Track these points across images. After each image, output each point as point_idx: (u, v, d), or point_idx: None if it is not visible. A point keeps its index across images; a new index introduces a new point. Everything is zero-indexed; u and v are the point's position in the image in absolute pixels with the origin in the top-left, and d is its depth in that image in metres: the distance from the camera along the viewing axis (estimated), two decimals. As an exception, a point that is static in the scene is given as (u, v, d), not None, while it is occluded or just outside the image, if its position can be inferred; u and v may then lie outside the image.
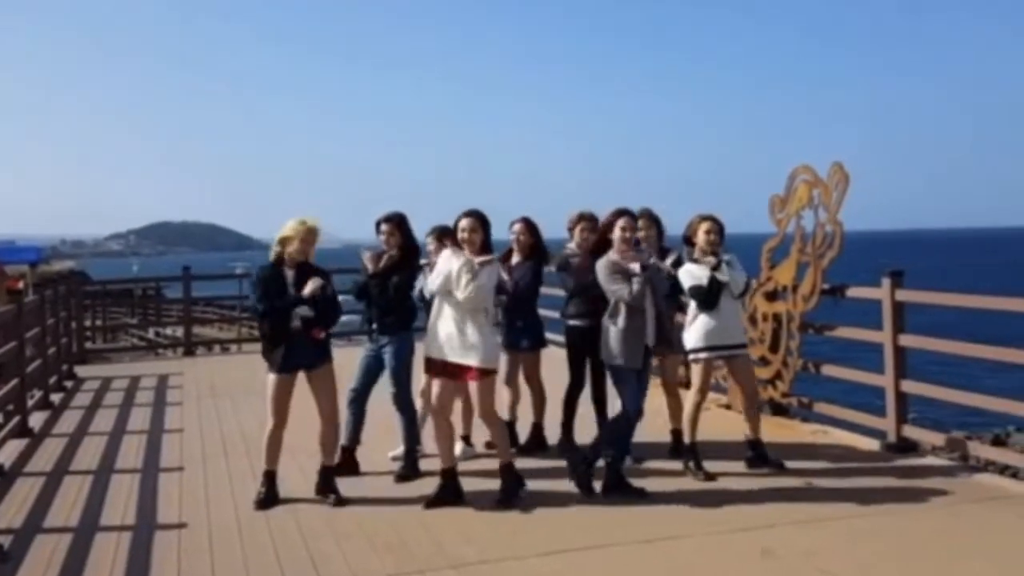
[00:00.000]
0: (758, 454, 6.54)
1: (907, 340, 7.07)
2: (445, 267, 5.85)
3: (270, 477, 6.07)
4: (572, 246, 7.04)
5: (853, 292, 7.40)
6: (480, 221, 5.97)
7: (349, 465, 6.57)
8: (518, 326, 7.08)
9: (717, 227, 6.46)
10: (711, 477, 6.27)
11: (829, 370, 7.77)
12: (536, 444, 7.18)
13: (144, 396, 10.41)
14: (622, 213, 6.10)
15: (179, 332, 15.39)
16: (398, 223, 6.61)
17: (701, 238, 6.49)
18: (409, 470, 6.52)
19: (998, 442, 14.99)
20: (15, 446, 7.91)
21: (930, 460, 7.00)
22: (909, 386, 7.08)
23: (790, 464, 6.54)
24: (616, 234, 6.04)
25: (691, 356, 6.55)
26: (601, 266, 6.03)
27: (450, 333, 5.81)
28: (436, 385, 5.96)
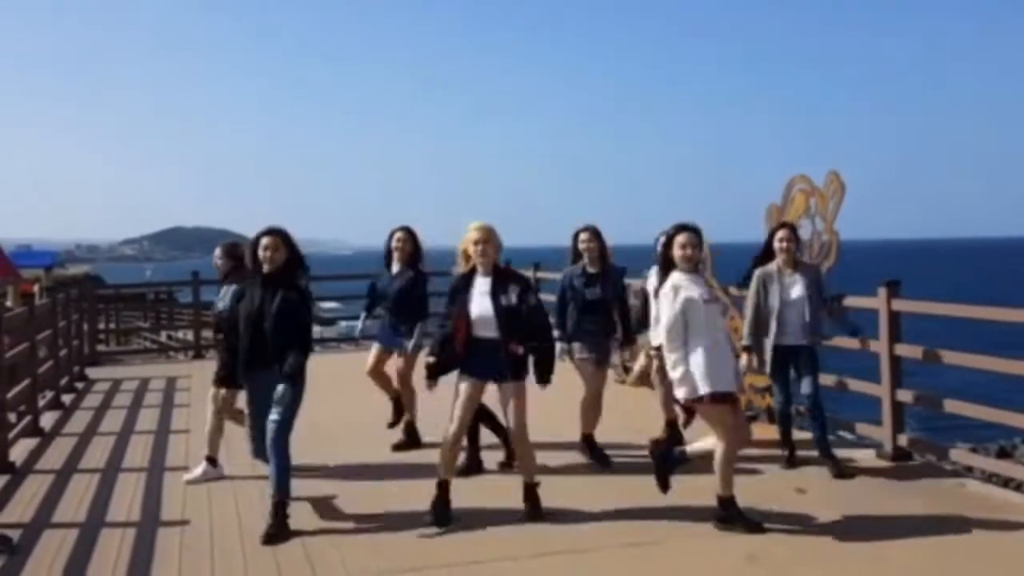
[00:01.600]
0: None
1: (903, 350, 7.13)
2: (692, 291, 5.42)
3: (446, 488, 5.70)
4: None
5: (850, 301, 7.46)
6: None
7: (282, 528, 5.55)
8: (401, 330, 7.57)
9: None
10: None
11: (825, 379, 7.81)
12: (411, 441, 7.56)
13: (153, 398, 10.57)
14: (783, 225, 6.85)
15: (190, 335, 15.54)
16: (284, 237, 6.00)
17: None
18: (279, 526, 5.50)
19: (1003, 454, 15.00)
20: (26, 444, 8.08)
21: (926, 470, 7.04)
22: (905, 396, 7.14)
23: (785, 472, 6.65)
24: (776, 246, 6.73)
25: None
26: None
27: (728, 361, 5.56)
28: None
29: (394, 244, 7.62)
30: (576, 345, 7.05)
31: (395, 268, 7.65)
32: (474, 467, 6.77)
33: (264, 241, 5.76)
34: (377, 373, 7.79)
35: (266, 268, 5.74)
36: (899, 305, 7.12)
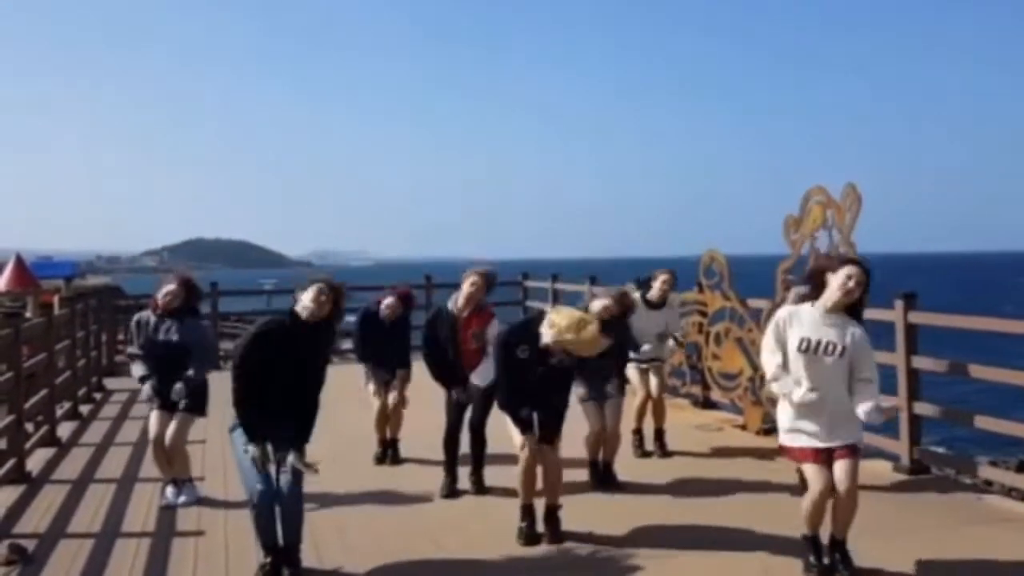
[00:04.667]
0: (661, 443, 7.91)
1: (920, 362, 7.08)
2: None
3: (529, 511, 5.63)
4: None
5: (866, 314, 7.39)
6: None
7: None
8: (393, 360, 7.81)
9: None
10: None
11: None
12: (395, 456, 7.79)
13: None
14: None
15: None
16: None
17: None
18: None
19: (1023, 468, 14.78)
20: (43, 454, 8.14)
21: (944, 484, 6.98)
22: (923, 408, 7.09)
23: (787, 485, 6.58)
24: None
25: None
26: None
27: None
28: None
29: (383, 312, 7.73)
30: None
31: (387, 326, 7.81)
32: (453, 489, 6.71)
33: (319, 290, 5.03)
34: (385, 413, 7.84)
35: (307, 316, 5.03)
36: (916, 317, 7.09)
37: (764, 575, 4.96)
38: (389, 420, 7.82)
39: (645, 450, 7.85)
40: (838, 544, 4.96)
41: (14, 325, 7.67)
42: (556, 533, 5.56)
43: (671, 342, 8.27)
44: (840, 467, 4.79)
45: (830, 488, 4.83)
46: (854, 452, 4.84)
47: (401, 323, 7.93)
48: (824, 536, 4.96)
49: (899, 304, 7.12)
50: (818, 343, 4.78)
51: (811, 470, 4.85)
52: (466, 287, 6.60)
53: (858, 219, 7.24)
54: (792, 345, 4.82)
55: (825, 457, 4.81)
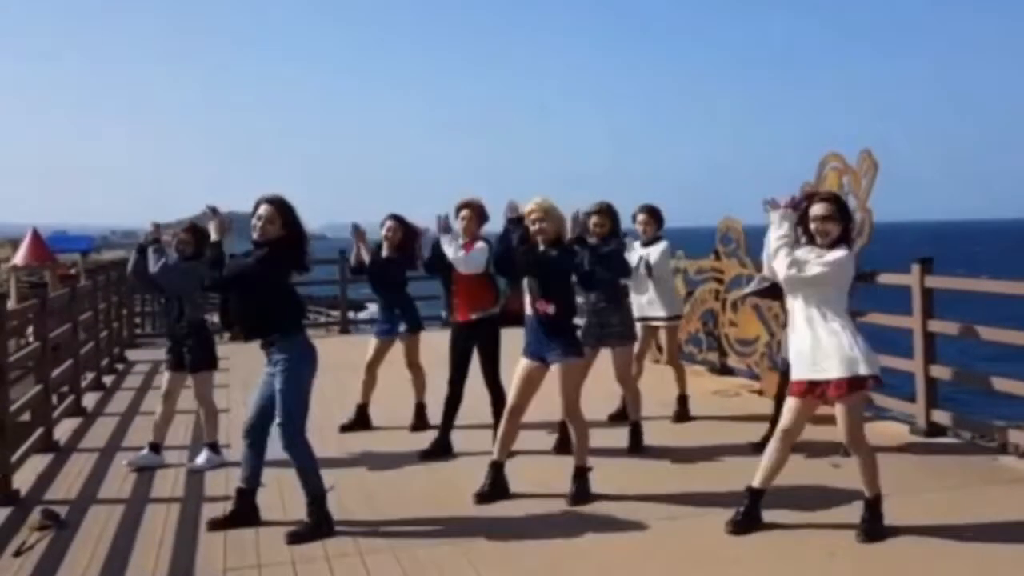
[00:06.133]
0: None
1: (937, 326, 7.13)
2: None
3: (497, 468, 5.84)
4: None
5: (883, 278, 7.46)
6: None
7: (245, 512, 5.43)
8: (396, 313, 7.71)
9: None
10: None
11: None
12: (420, 424, 7.67)
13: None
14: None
15: (225, 318, 15.78)
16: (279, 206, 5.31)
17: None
18: (316, 526, 5.20)
19: (1040, 432, 14.81)
20: (70, 424, 8.29)
21: (960, 446, 7.03)
22: (939, 371, 7.14)
23: (818, 446, 6.62)
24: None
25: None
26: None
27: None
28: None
29: (384, 234, 7.76)
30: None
31: (384, 255, 7.77)
32: (441, 450, 6.84)
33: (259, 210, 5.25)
34: (377, 365, 7.88)
35: (255, 237, 5.27)
36: (932, 282, 7.13)
37: (787, 532, 5.04)
38: (373, 381, 7.83)
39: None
40: (866, 503, 5.01)
41: (40, 296, 7.78)
42: (584, 494, 5.68)
43: (651, 285, 7.77)
44: (836, 411, 4.93)
45: (793, 428, 5.00)
46: (850, 389, 4.81)
47: (401, 260, 7.68)
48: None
49: (915, 268, 7.15)
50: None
51: (788, 402, 5.06)
52: (459, 224, 6.83)
53: (874, 185, 7.25)
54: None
55: (807, 390, 4.91)
